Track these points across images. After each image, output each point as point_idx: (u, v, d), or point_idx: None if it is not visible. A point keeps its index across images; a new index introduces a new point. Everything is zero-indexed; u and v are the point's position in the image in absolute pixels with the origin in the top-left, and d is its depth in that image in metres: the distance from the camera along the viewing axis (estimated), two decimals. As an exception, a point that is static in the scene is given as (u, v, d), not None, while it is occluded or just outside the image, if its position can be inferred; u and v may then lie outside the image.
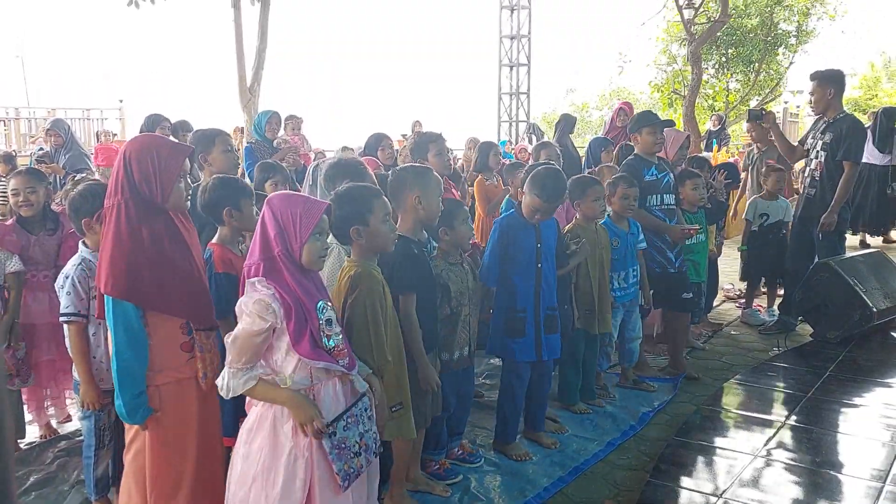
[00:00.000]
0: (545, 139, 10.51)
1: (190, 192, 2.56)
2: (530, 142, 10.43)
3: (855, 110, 18.19)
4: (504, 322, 3.48)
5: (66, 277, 2.82)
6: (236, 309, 2.13)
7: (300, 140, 6.78)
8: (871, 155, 8.92)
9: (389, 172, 3.49)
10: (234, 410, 2.68)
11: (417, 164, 3.62)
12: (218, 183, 2.89)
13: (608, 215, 4.20)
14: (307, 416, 2.10)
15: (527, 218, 3.51)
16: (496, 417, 3.66)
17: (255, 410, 2.22)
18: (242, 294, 2.19)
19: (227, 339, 2.11)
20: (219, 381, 2.14)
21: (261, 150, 6.08)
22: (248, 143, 6.69)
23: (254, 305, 2.08)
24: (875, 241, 9.81)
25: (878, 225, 9.33)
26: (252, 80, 9.62)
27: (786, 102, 18.90)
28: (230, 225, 2.84)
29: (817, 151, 5.41)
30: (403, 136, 12.70)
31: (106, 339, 2.79)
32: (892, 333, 5.41)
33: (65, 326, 2.80)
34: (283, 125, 6.75)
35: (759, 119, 6.00)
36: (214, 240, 2.87)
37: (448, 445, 3.41)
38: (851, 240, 9.78)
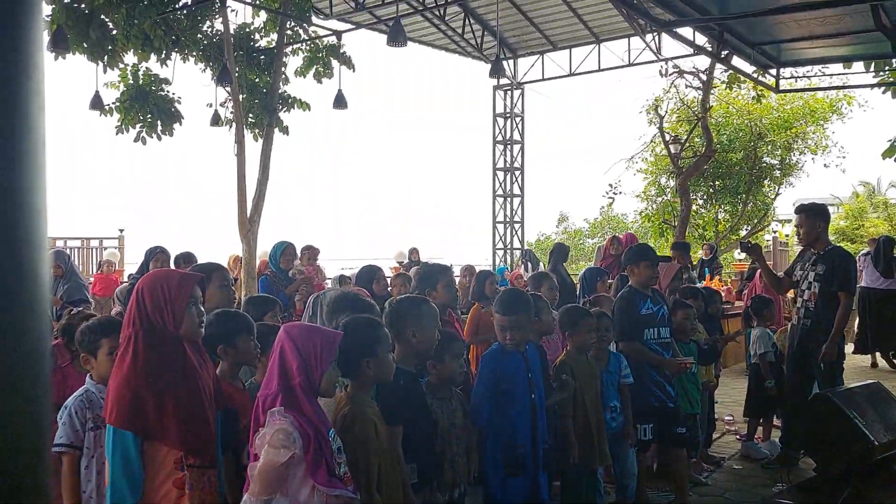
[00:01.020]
0: (540, 267, 10.67)
1: (202, 318, 2.60)
2: (526, 269, 10.56)
3: (842, 239, 18.63)
4: (503, 460, 3.39)
5: (65, 408, 2.81)
6: (257, 440, 2.15)
7: (315, 270, 6.89)
8: (872, 280, 9.67)
9: (386, 304, 3.54)
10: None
11: (414, 296, 3.68)
12: (214, 319, 2.92)
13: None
14: None
15: (506, 344, 3.50)
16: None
17: None
18: (247, 425, 2.21)
19: (250, 471, 2.11)
20: None
21: (276, 282, 6.19)
22: (263, 274, 6.81)
23: (276, 436, 2.11)
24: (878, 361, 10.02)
25: (889, 347, 9.81)
26: (252, 212, 9.86)
27: (774, 232, 19.34)
28: (227, 360, 2.86)
29: (809, 283, 5.49)
30: (399, 263, 12.87)
31: (98, 472, 2.73)
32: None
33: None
34: (299, 255, 6.89)
35: (749, 252, 6.15)
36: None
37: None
38: (863, 360, 9.97)
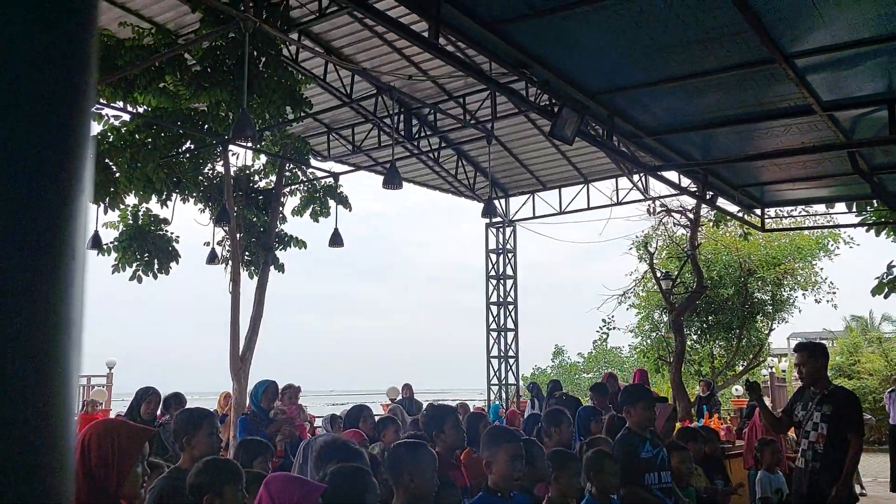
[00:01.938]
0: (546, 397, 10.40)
1: (146, 478, 2.51)
2: (532, 405, 10.35)
3: (839, 375, 18.46)
4: None
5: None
6: None
7: (297, 410, 6.75)
8: None
9: (385, 450, 3.45)
10: None
11: (413, 441, 3.58)
12: (202, 467, 2.84)
13: (590, 493, 4.04)
14: None
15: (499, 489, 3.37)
16: None
17: None
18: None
19: None
20: None
21: (256, 422, 6.03)
22: (243, 414, 6.67)
23: None
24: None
25: None
26: (245, 349, 9.78)
27: (771, 367, 19.21)
28: (214, 509, 2.74)
29: (815, 423, 5.38)
30: (392, 399, 12.64)
31: None
32: None
33: None
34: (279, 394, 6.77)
35: (750, 390, 6.09)
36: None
37: None
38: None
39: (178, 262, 10.19)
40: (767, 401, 13.81)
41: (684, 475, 4.77)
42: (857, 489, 8.60)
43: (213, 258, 10.84)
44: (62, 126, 0.53)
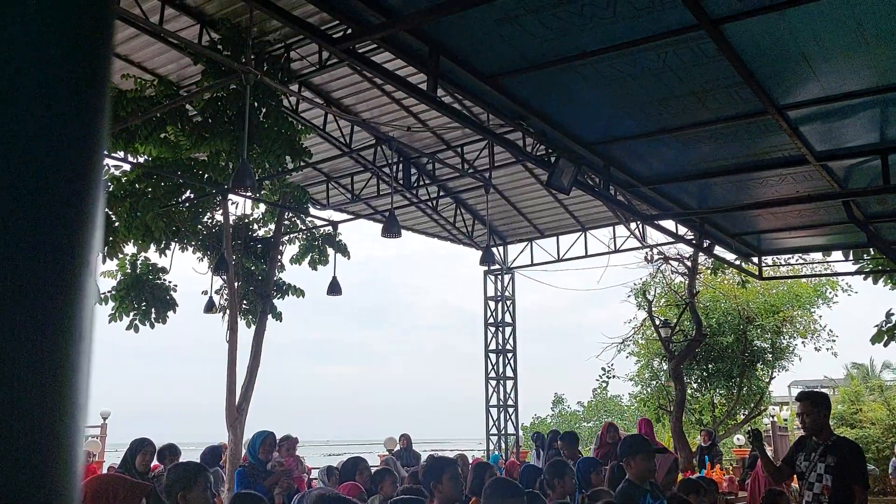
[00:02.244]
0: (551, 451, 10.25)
1: None
2: (537, 456, 10.20)
3: (841, 425, 18.26)
4: None
5: None
6: None
7: (294, 462, 6.65)
8: None
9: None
10: None
11: (409, 497, 3.54)
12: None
13: None
14: None
15: None
16: None
17: None
18: None
19: None
20: None
21: (254, 474, 5.95)
22: (240, 466, 6.58)
23: None
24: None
25: None
26: (241, 399, 9.69)
27: (772, 416, 19.01)
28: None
29: (820, 475, 5.30)
30: (389, 450, 12.49)
31: None
32: None
33: None
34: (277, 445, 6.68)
35: (753, 440, 6.03)
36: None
37: None
38: None
39: (175, 311, 10.16)
40: (769, 450, 13.65)
41: (687, 530, 4.68)
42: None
43: (210, 307, 10.82)
44: (74, 191, 0.54)
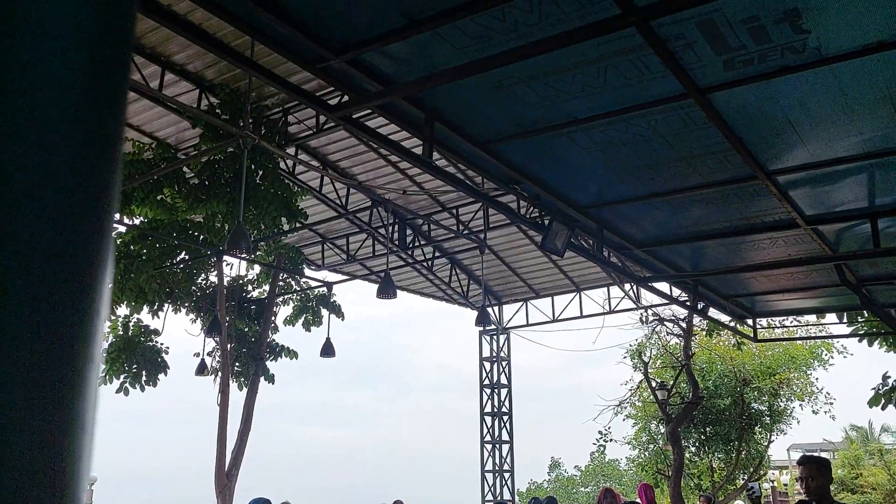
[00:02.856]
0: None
1: None
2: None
3: (842, 490, 17.97)
4: None
5: None
6: None
7: None
8: None
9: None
10: None
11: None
12: None
13: None
14: None
15: None
16: None
17: None
18: None
19: None
20: None
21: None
22: None
23: None
24: None
25: None
26: (231, 465, 9.50)
27: (772, 481, 18.68)
28: None
29: None
30: (383, 516, 12.18)
31: None
32: None
33: None
34: None
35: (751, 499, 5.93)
36: None
37: None
38: None
39: (166, 374, 10.06)
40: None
41: None
42: None
43: (202, 369, 10.71)
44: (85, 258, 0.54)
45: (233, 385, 10.21)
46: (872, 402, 9.61)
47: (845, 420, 25.36)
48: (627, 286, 13.95)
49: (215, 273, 10.33)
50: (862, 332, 10.15)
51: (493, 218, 12.38)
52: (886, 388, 9.52)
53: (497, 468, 18.29)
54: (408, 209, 12.45)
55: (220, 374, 9.97)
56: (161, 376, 9.90)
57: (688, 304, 8.97)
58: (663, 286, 9.20)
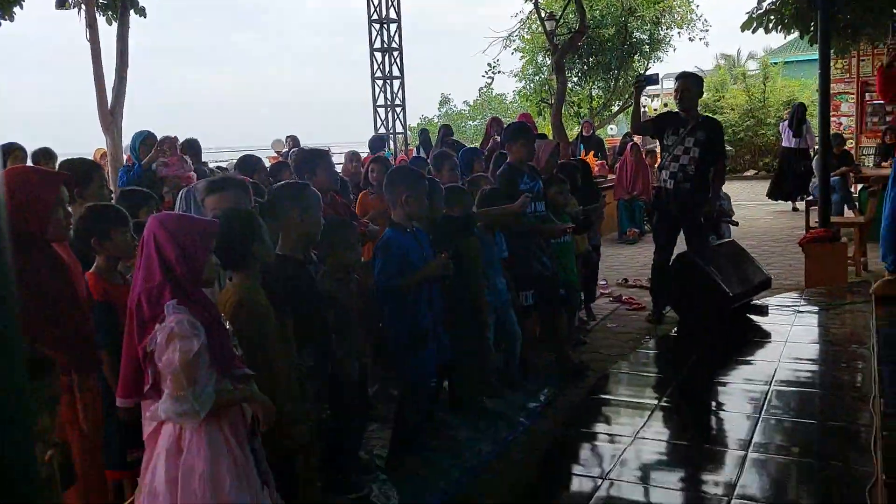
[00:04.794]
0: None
1: (70, 220, 2.48)
2: (418, 152, 10.50)
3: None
4: (407, 336, 3.45)
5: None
6: (158, 335, 2.05)
7: (179, 161, 6.43)
8: (789, 141, 11.88)
9: (266, 191, 3.49)
10: (122, 444, 2.61)
11: (294, 181, 3.63)
12: (86, 213, 2.80)
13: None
14: (269, 407, 2.27)
15: (405, 225, 3.56)
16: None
17: (166, 434, 2.13)
18: (126, 323, 2.16)
19: (165, 372, 2.04)
20: (171, 413, 2.05)
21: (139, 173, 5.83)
22: (124, 165, 6.39)
23: (181, 327, 2.05)
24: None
25: (795, 195, 11.88)
26: (114, 103, 9.23)
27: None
28: (103, 254, 2.75)
29: (688, 148, 5.77)
30: (277, 152, 12.54)
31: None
32: (748, 315, 5.90)
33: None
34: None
35: (639, 85, 6.36)
36: (91, 270, 2.76)
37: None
38: (783, 206, 12.25)
39: (21, 7, 9.09)
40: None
41: (561, 204, 5.11)
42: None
43: (62, 2, 9.73)
44: None
45: (101, 20, 9.44)
46: (745, 26, 10.01)
47: (717, 48, 26.66)
48: None
49: None
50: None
51: None
52: (759, 11, 9.84)
53: (389, 104, 18.64)
54: None
55: (83, 6, 9.12)
56: (17, 10, 8.94)
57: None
58: None
